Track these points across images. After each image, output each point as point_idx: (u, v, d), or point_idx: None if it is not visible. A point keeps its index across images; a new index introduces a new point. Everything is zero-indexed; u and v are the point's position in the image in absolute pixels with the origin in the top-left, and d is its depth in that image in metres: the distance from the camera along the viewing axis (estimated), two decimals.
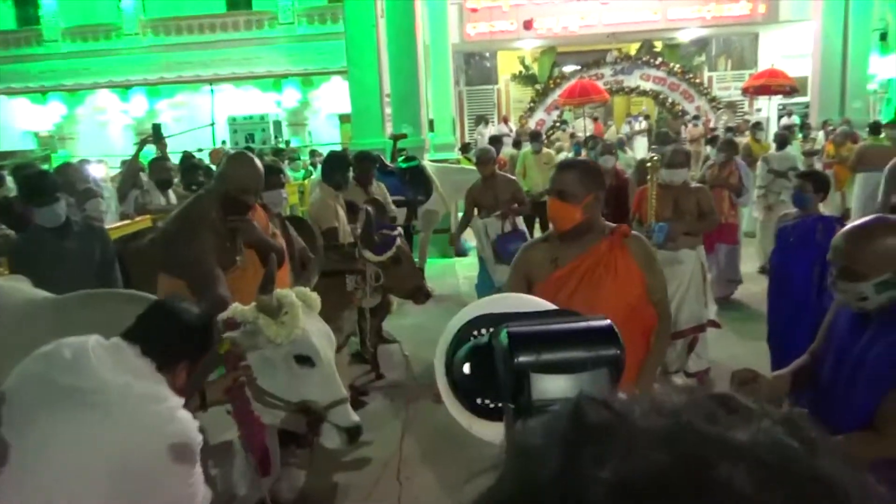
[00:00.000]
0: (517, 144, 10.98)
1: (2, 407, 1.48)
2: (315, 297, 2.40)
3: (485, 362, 0.80)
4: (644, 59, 15.94)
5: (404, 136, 8.56)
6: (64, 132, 18.88)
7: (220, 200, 2.84)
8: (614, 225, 2.44)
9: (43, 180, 3.43)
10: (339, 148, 12.34)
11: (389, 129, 10.45)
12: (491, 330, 0.86)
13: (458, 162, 10.13)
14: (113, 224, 4.75)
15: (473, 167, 7.62)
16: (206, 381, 2.11)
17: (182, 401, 1.63)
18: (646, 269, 2.36)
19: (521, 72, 18.99)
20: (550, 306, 0.99)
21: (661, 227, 4.35)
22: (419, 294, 4.11)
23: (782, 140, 7.92)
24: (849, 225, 1.86)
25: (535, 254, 2.46)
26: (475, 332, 0.90)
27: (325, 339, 2.32)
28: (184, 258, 2.71)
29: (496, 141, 10.07)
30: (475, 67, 19.66)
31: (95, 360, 1.57)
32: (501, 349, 0.74)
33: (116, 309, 2.33)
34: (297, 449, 3.67)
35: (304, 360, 2.25)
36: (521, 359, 0.71)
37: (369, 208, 4.02)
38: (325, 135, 17.97)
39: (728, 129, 11.87)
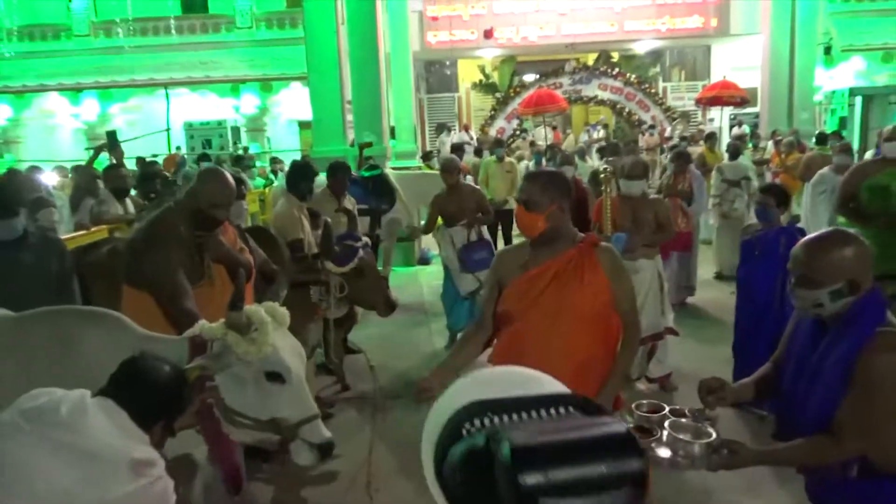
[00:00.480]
0: (478, 153, 11.06)
1: None
2: (284, 313, 2.37)
3: (483, 469, 0.67)
4: (601, 69, 16.28)
5: (370, 144, 8.53)
6: (9, 136, 18.19)
7: (191, 216, 2.81)
8: (584, 234, 2.49)
9: (2, 193, 3.32)
10: (298, 155, 12.22)
11: (351, 137, 10.40)
12: (486, 423, 0.73)
13: (420, 170, 10.14)
14: (67, 234, 4.61)
15: (435, 173, 7.65)
16: None
17: (163, 463, 1.64)
18: (613, 279, 2.41)
19: (481, 80, 19.14)
20: (550, 383, 0.83)
21: (618, 238, 4.44)
22: (383, 305, 4.07)
23: (735, 150, 8.17)
24: (808, 236, 1.95)
25: (507, 257, 2.54)
26: (468, 425, 0.74)
27: (295, 356, 2.30)
28: (150, 271, 2.66)
29: (457, 149, 10.12)
30: (436, 75, 19.73)
31: (93, 419, 1.56)
32: (504, 466, 0.63)
33: (74, 326, 2.28)
34: (263, 464, 3.62)
35: (275, 377, 2.21)
36: (529, 481, 0.61)
37: (328, 219, 3.98)
38: (285, 141, 17.74)
39: (682, 139, 12.18)
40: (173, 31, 18.06)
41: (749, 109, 14.93)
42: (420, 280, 8.46)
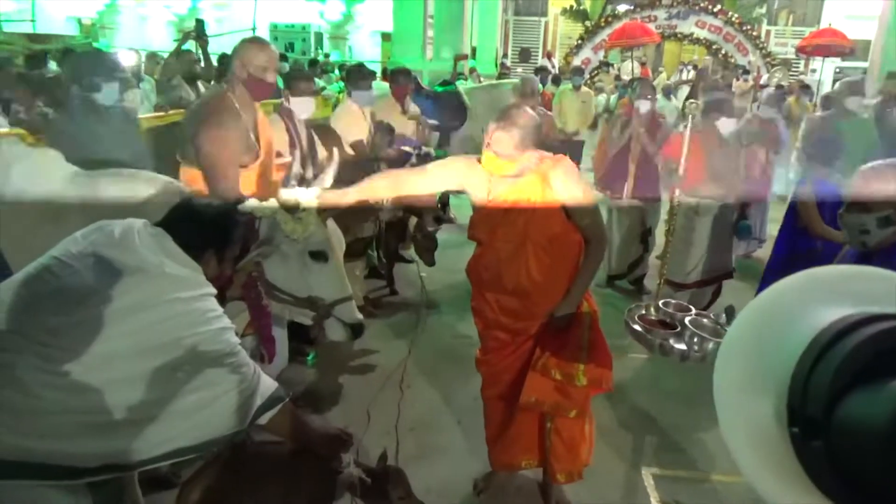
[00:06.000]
0: (556, 81, 10.74)
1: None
2: None
3: None
4: (702, 4, 15.26)
5: (466, 56, 8.38)
6: (105, 21, 18.79)
7: (243, 87, 2.81)
8: (547, 155, 2.44)
9: (110, 57, 3.52)
10: (378, 66, 12.18)
11: (430, 52, 10.28)
12: None
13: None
14: (147, 115, 4.81)
15: (504, 82, 7.53)
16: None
17: (212, 289, 1.75)
18: (568, 198, 2.39)
19: (572, 6, 18.37)
20: None
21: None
22: (430, 216, 4.06)
23: (828, 103, 7.65)
24: (864, 165, 1.91)
25: (475, 172, 2.45)
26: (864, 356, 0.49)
27: (335, 239, 2.40)
28: (202, 148, 2.71)
29: (542, 70, 9.83)
30: None
31: (139, 239, 1.70)
32: None
33: (137, 188, 2.43)
34: (306, 347, 3.84)
35: (318, 256, 2.33)
36: None
37: (383, 120, 4.00)
38: (367, 52, 17.68)
39: (779, 87, 11.45)
40: None
41: (856, 63, 13.83)
42: None
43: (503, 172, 2.36)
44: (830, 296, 0.55)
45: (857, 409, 0.47)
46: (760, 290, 2.35)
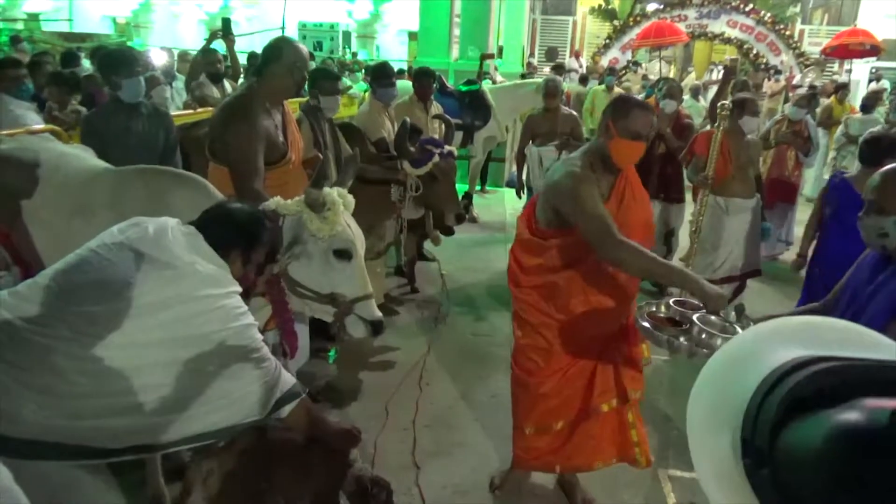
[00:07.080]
0: (584, 80, 10.69)
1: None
2: (351, 199, 2.48)
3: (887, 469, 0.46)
4: (733, 3, 15.05)
5: (492, 55, 8.37)
6: (139, 20, 19.15)
7: (283, 83, 2.85)
8: None
9: (129, 54, 3.58)
10: (404, 65, 12.23)
11: (456, 52, 10.28)
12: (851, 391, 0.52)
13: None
14: (176, 112, 4.90)
15: (528, 82, 7.51)
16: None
17: (238, 287, 1.82)
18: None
19: (600, 5, 18.23)
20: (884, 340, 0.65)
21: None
22: (451, 214, 4.05)
23: (868, 104, 7.53)
24: (886, 167, 1.87)
25: (593, 185, 2.40)
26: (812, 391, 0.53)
27: (358, 239, 2.43)
28: (230, 145, 2.74)
29: (558, 68, 9.76)
30: None
31: (172, 237, 1.78)
32: None
33: (166, 185, 2.48)
34: (327, 343, 3.89)
35: (342, 255, 2.36)
36: None
37: (406, 119, 4.02)
38: (394, 51, 17.77)
39: (811, 88, 11.25)
40: None
41: (893, 63, 13.51)
42: (505, 201, 8.49)
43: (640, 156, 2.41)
44: (789, 342, 0.60)
45: (795, 439, 0.52)
46: (805, 291, 2.28)
